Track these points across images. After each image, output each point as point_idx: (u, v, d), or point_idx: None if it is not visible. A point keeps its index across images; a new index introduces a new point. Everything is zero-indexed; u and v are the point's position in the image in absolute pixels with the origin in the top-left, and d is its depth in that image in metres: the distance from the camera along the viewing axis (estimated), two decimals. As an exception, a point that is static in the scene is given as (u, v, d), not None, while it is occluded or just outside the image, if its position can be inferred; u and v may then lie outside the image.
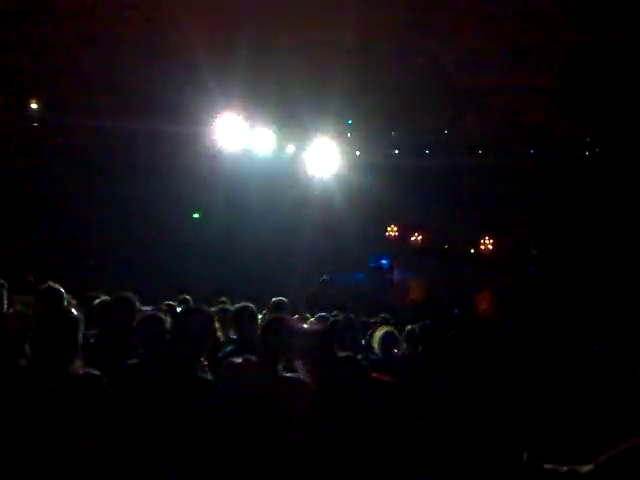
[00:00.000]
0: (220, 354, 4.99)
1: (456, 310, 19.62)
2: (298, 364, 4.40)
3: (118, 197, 19.73)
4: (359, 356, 5.59)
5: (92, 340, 4.75)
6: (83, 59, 19.08)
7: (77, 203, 19.67)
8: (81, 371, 3.61)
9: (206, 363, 4.36)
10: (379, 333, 6.42)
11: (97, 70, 19.58)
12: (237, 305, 5.63)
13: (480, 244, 22.95)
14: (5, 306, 5.19)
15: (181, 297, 7.99)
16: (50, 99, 20.79)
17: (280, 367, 4.21)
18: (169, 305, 6.80)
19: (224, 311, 6.09)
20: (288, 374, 4.27)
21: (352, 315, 7.12)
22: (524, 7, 19.29)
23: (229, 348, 5.13)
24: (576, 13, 18.99)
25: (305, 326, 6.26)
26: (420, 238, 23.73)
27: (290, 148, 18.76)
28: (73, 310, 3.80)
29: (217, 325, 4.94)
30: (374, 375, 5.06)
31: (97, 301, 5.92)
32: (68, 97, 19.92)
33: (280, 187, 20.12)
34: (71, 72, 19.54)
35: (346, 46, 19.63)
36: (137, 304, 5.15)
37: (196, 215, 22.15)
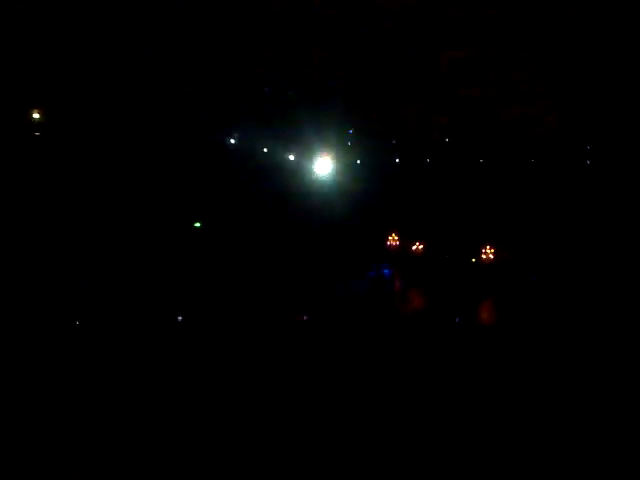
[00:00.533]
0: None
1: (457, 319, 19.62)
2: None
3: (121, 208, 19.77)
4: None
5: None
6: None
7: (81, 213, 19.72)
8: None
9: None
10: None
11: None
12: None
13: (482, 253, 22.96)
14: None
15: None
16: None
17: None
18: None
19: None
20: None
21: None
22: (524, 15, 19.36)
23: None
24: (577, 19, 19.05)
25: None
26: (421, 247, 23.75)
27: (290, 157, 18.86)
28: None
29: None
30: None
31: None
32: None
33: (280, 197, 20.19)
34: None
35: (348, 57, 19.70)
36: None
37: (197, 224, 22.19)
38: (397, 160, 24.40)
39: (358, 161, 23.33)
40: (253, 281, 18.94)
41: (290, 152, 21.36)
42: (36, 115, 20.59)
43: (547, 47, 20.27)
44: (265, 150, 22.24)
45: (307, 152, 20.80)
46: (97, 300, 16.86)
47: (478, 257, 22.61)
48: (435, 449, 11.92)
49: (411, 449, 11.85)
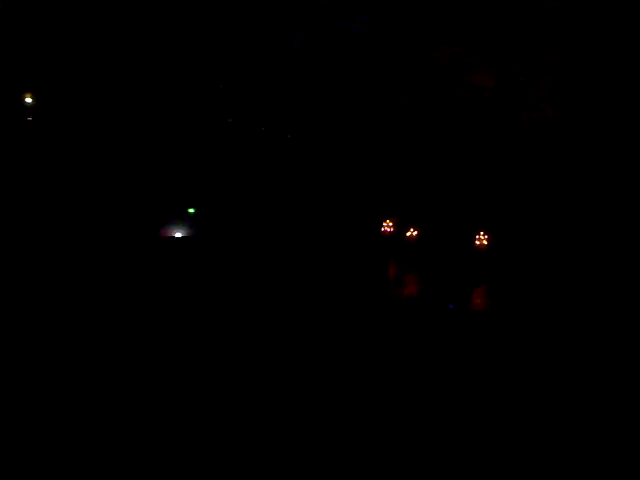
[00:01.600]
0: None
1: (451, 305, 19.64)
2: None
3: (112, 195, 19.70)
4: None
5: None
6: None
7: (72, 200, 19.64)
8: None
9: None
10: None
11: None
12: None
13: (475, 239, 22.98)
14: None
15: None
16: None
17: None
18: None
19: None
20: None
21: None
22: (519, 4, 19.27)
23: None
24: (574, 9, 18.97)
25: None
26: (415, 233, 23.75)
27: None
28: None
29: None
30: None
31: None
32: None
33: (271, 178, 20.18)
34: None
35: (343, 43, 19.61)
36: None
37: (191, 210, 22.13)
38: (393, 146, 24.40)
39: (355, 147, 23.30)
40: (247, 265, 18.95)
41: (284, 138, 21.30)
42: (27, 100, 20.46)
43: (544, 35, 20.19)
44: (259, 134, 22.19)
45: (303, 138, 20.76)
46: (85, 286, 16.85)
47: (472, 243, 22.68)
48: (428, 439, 11.95)
49: (403, 438, 11.87)
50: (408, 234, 24.07)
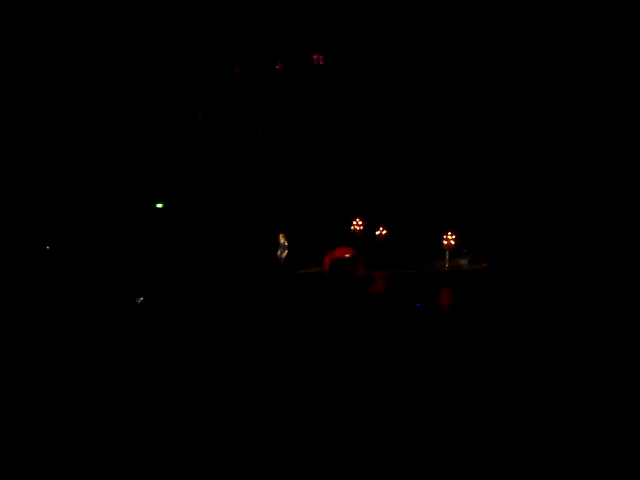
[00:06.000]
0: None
1: (418, 304, 19.77)
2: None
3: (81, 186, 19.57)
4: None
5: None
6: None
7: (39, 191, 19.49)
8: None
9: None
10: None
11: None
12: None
13: (443, 239, 23.15)
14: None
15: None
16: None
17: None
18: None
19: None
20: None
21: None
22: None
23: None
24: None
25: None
26: (385, 232, 23.89)
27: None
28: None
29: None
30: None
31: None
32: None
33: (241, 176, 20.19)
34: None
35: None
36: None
37: (159, 205, 21.99)
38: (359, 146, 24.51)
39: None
40: (213, 260, 18.92)
41: (256, 135, 21.31)
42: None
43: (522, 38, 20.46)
44: (231, 130, 22.14)
45: (274, 136, 20.77)
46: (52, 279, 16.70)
47: (440, 243, 22.88)
48: (403, 429, 11.99)
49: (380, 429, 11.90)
50: (377, 233, 24.24)
